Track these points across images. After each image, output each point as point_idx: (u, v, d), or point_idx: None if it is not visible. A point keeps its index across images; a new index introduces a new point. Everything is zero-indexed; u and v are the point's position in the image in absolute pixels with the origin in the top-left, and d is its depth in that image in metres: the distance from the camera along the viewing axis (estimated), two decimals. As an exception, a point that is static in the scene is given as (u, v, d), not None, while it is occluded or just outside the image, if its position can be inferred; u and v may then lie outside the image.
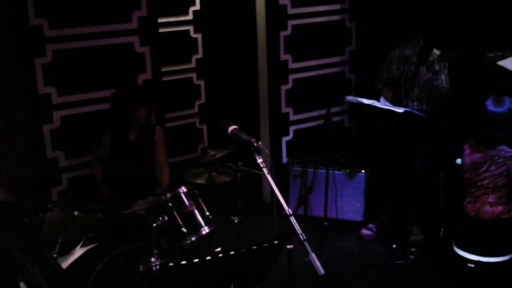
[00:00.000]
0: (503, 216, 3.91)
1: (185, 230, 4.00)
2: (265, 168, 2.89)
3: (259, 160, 2.91)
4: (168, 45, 6.51)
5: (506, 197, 3.89)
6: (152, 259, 3.75)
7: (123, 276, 3.89)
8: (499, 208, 3.90)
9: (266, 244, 2.88)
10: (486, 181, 3.91)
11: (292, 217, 2.77)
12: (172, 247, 4.00)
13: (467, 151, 4.02)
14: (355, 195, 5.62)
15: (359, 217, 5.63)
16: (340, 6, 6.11)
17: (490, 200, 3.91)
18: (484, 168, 3.90)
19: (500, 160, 3.86)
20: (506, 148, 3.89)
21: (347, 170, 5.63)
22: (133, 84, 5.17)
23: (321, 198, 5.52)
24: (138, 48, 5.25)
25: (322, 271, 2.66)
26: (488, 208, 3.92)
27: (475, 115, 3.98)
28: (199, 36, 6.89)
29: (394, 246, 4.96)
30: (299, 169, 5.76)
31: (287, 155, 6.07)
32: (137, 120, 4.65)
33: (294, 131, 6.13)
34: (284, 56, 5.89)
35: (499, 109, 3.81)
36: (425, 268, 4.78)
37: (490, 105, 3.84)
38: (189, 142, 6.82)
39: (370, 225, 5.45)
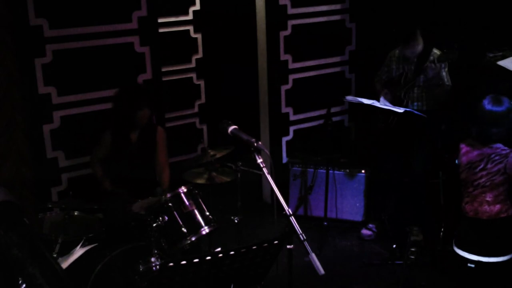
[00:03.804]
0: (502, 215, 3.92)
1: (185, 230, 4.00)
2: (265, 168, 2.89)
3: (259, 160, 2.91)
4: (168, 45, 6.51)
5: (503, 195, 3.92)
6: (152, 259, 3.75)
7: (123, 276, 3.89)
8: (497, 206, 3.91)
9: (266, 244, 2.89)
10: (483, 180, 3.92)
11: (292, 217, 2.76)
12: (172, 247, 4.00)
13: (463, 150, 4.04)
14: (355, 195, 5.63)
15: (359, 217, 5.64)
16: (340, 6, 6.11)
17: (488, 198, 3.92)
18: (481, 166, 3.92)
19: (497, 157, 3.88)
20: (502, 146, 3.91)
21: (347, 170, 5.63)
22: (135, 84, 5.16)
23: (321, 198, 5.52)
24: (138, 48, 5.26)
25: (322, 271, 2.66)
26: (486, 207, 3.93)
27: (471, 113, 4.00)
28: (199, 36, 6.89)
29: (394, 246, 4.97)
30: (299, 169, 5.77)
31: (287, 155, 6.07)
32: (140, 120, 4.63)
33: (294, 131, 6.13)
34: (284, 56, 5.89)
35: (497, 108, 3.84)
36: (425, 268, 4.78)
37: (488, 103, 3.88)
38: (189, 142, 6.82)
39: (370, 225, 5.46)
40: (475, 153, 3.97)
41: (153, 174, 4.79)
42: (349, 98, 5.34)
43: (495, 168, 3.88)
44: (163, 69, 5.76)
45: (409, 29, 4.96)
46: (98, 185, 4.72)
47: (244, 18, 6.44)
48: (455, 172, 4.14)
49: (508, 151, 3.89)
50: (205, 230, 4.07)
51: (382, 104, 5.02)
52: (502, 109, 3.84)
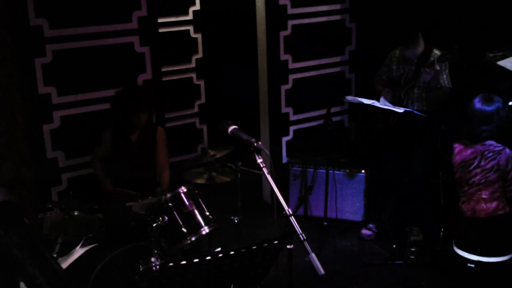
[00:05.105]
0: (499, 212, 3.93)
1: (185, 230, 4.00)
2: (265, 168, 2.89)
3: (259, 160, 2.91)
4: (168, 45, 6.51)
5: (499, 191, 3.93)
6: (152, 259, 3.75)
7: (123, 276, 3.89)
8: (494, 204, 3.93)
9: (266, 244, 2.89)
10: (478, 177, 3.94)
11: (292, 217, 2.76)
12: (172, 247, 4.00)
13: (457, 149, 4.07)
14: (355, 195, 5.63)
15: (359, 217, 5.64)
16: (340, 6, 6.11)
17: (483, 196, 3.94)
18: (475, 164, 3.94)
19: (490, 154, 3.91)
20: (495, 143, 3.94)
21: (347, 170, 5.63)
22: (133, 85, 5.16)
23: (321, 198, 5.52)
24: (138, 48, 5.26)
25: (322, 271, 2.66)
26: (483, 205, 3.94)
27: (464, 112, 4.04)
28: (199, 36, 6.89)
29: (394, 246, 4.97)
30: (299, 169, 5.77)
31: (287, 155, 6.07)
32: (139, 122, 4.64)
33: (294, 131, 6.13)
34: (284, 56, 5.89)
35: (486, 107, 3.89)
36: (425, 268, 4.77)
37: (477, 102, 3.94)
38: (189, 142, 6.82)
39: (370, 225, 5.46)
40: (468, 151, 3.99)
41: (153, 174, 4.79)
42: (349, 98, 5.34)
43: (489, 165, 3.90)
44: (163, 69, 5.76)
45: (410, 30, 4.96)
46: (98, 185, 4.72)
47: (244, 18, 6.44)
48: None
49: (501, 147, 3.92)
50: (205, 230, 4.07)
51: (382, 104, 5.03)
52: (491, 107, 3.90)
